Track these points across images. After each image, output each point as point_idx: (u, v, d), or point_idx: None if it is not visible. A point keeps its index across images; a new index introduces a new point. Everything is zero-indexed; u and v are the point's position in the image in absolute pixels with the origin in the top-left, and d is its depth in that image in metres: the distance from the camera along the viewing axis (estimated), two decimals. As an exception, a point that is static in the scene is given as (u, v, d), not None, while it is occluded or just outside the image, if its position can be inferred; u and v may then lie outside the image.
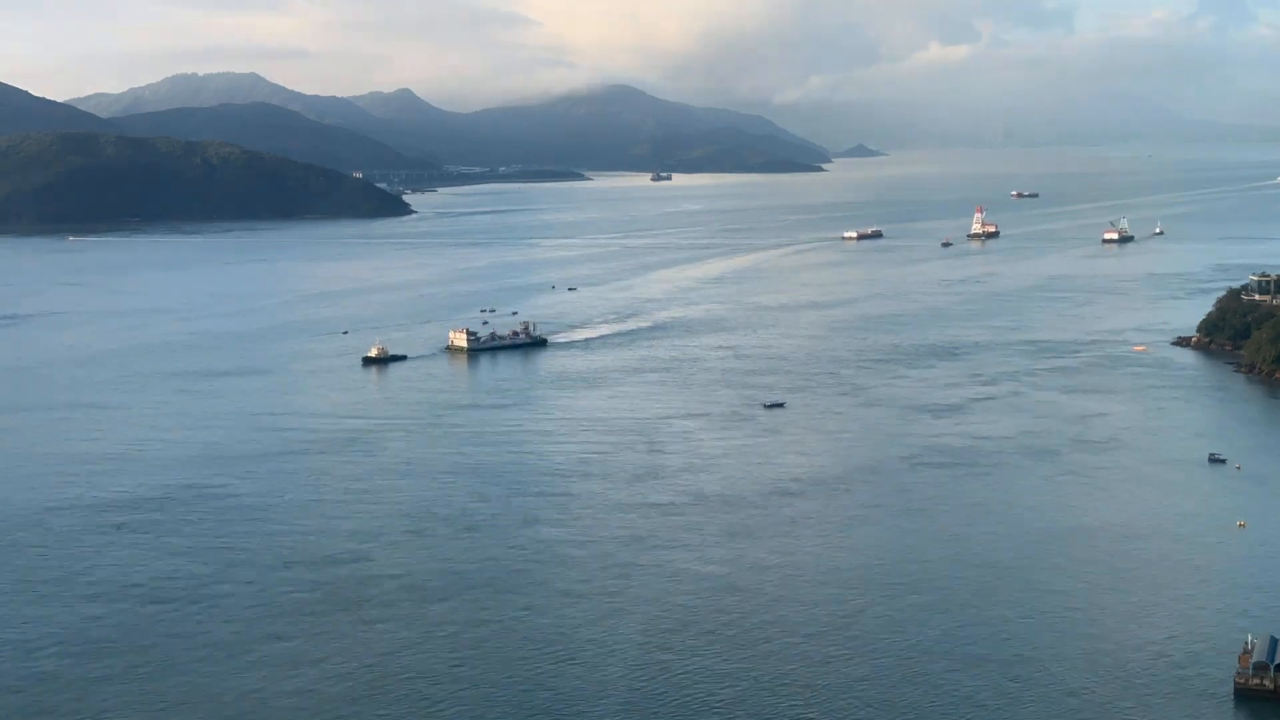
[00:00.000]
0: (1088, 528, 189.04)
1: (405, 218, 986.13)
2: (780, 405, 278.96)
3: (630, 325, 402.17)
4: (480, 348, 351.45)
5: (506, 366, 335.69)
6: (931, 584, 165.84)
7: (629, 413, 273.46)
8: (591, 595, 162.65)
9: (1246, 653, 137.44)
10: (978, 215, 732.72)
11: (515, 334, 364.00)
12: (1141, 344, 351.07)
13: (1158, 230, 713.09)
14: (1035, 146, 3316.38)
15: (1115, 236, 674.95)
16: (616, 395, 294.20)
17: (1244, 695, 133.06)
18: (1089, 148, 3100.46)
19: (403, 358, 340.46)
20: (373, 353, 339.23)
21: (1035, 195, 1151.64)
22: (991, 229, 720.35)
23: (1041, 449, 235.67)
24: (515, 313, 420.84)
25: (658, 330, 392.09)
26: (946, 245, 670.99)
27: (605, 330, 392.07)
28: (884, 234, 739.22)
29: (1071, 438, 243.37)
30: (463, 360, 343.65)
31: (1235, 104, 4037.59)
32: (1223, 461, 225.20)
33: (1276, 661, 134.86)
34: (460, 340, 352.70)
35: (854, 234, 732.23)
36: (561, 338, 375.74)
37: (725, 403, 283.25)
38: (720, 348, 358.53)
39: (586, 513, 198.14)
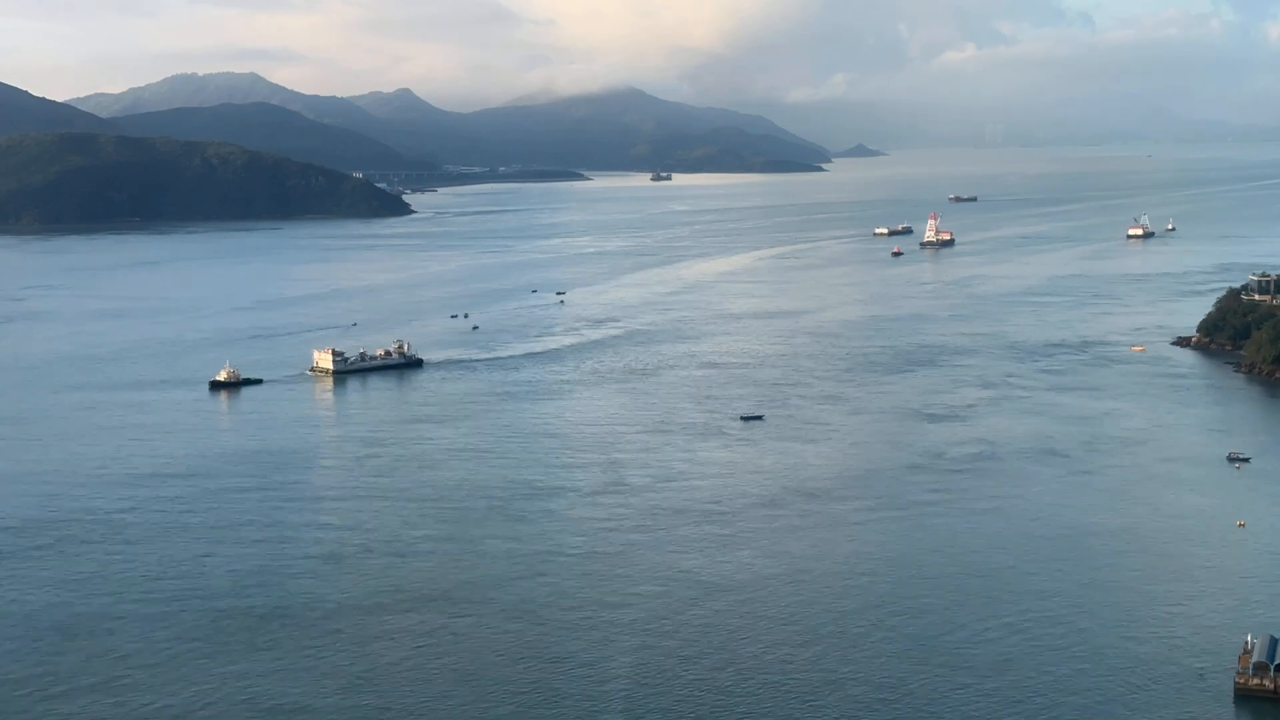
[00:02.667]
0: (1091, 529, 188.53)
1: (405, 218, 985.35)
2: (758, 418, 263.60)
3: (599, 334, 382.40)
4: (348, 369, 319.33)
5: (377, 390, 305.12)
6: (930, 587, 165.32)
7: (581, 429, 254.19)
8: (584, 605, 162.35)
9: (1246, 653, 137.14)
10: (931, 222, 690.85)
11: (387, 354, 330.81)
12: (1140, 344, 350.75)
13: (1170, 227, 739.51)
14: (1036, 146, 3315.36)
15: (1140, 232, 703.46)
16: (563, 409, 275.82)
17: (1244, 695, 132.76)
18: (1091, 148, 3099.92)
19: (258, 382, 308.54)
20: (221, 376, 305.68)
21: (974, 199, 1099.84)
22: (946, 236, 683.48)
23: (1043, 451, 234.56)
24: (557, 303, 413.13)
25: (624, 339, 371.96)
26: (897, 255, 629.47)
27: (570, 340, 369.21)
28: (913, 229, 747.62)
29: (1075, 440, 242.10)
30: (328, 383, 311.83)
31: (1245, 104, 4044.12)
32: (1247, 460, 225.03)
33: (1276, 661, 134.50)
34: (326, 361, 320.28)
35: (884, 230, 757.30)
36: (528, 347, 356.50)
37: (693, 417, 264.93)
38: (688, 357, 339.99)
39: (552, 534, 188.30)
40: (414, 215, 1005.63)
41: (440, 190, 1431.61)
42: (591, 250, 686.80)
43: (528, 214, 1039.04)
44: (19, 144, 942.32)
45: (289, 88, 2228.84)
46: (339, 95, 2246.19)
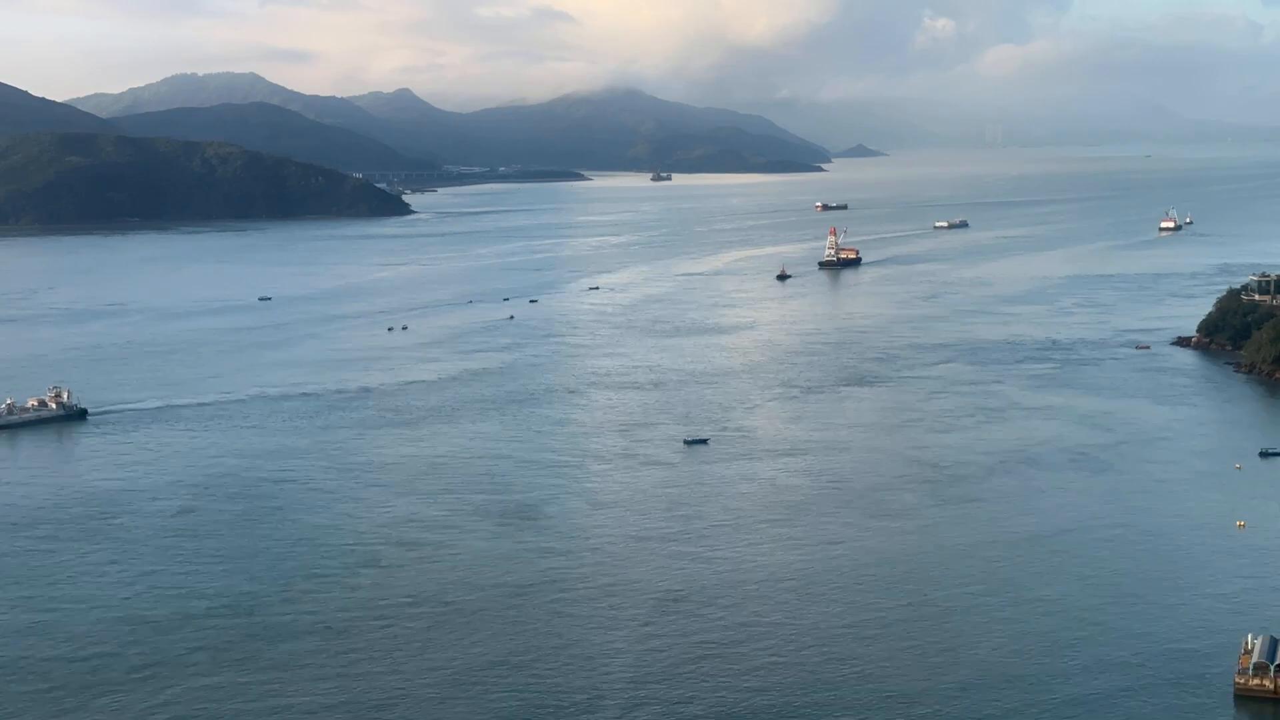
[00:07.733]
0: (1093, 530, 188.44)
1: (404, 218, 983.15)
2: (702, 442, 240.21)
3: (577, 339, 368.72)
4: None
5: (31, 452, 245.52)
6: (929, 589, 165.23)
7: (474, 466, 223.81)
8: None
9: (1246, 653, 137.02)
10: (831, 238, 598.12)
11: (41, 404, 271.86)
12: (1145, 343, 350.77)
13: (1189, 220, 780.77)
14: (1037, 147, 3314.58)
15: (1171, 225, 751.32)
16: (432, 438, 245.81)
17: (1244, 696, 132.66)
18: (1091, 148, 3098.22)
19: None
20: None
21: (844, 207, 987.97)
22: (850, 254, 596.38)
23: (1046, 454, 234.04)
24: (516, 317, 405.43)
25: (584, 345, 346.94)
26: (783, 278, 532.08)
27: (580, 338, 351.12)
28: (969, 223, 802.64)
29: (1079, 442, 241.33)
30: None
31: (1250, 105, 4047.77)
32: (1277, 455, 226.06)
33: (1277, 662, 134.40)
34: None
35: (945, 223, 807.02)
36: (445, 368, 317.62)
37: (625, 445, 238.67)
38: (608, 378, 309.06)
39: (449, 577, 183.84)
40: (413, 215, 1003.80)
41: (440, 190, 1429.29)
42: (546, 256, 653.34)
43: (520, 215, 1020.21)
44: (19, 144, 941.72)
45: (289, 88, 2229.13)
46: (339, 95, 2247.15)
